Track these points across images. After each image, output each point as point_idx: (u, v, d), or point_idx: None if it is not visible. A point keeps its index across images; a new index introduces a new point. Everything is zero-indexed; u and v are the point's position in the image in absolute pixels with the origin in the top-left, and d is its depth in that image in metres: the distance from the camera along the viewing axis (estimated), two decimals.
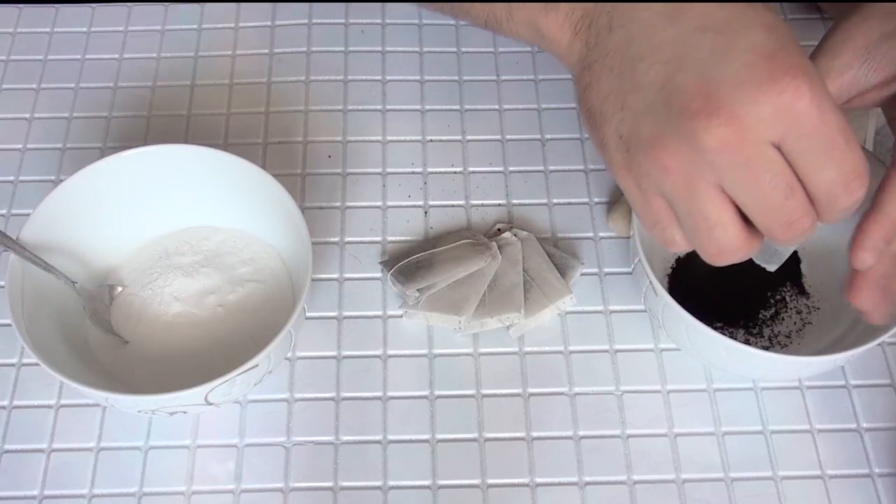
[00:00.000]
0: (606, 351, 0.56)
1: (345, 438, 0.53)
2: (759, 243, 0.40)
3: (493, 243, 0.58)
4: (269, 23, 0.71)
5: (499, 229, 0.60)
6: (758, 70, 0.36)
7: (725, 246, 0.40)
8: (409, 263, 0.57)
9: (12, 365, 0.56)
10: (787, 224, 0.38)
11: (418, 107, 0.67)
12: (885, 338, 0.48)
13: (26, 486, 0.52)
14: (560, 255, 0.59)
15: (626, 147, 0.40)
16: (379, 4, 0.71)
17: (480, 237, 0.59)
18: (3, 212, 0.62)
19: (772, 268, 0.46)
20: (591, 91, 0.42)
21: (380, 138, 0.65)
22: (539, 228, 0.61)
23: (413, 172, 0.64)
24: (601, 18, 0.42)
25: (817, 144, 0.36)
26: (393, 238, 0.61)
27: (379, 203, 0.62)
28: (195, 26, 0.70)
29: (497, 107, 0.67)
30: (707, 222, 0.39)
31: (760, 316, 0.56)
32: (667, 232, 0.41)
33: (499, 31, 0.49)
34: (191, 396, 0.46)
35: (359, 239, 0.61)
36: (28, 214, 0.51)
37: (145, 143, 0.61)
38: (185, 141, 0.64)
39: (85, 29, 0.70)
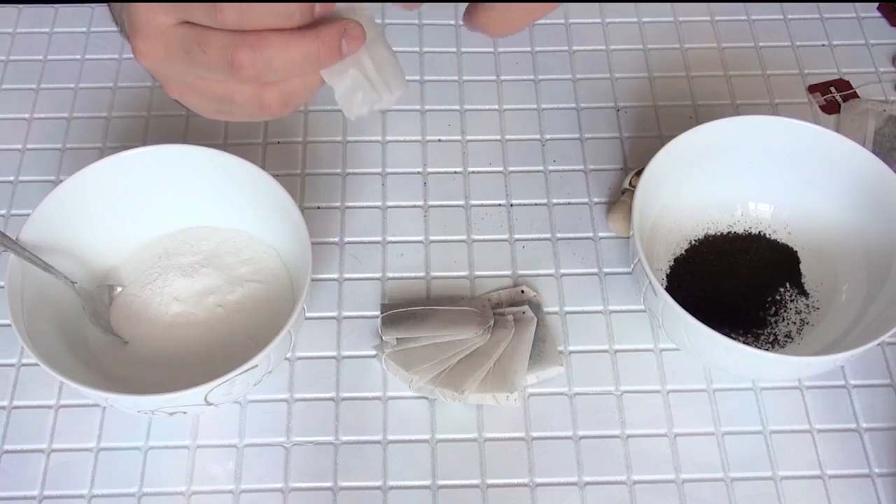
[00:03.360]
0: (606, 351, 0.56)
1: (344, 438, 0.53)
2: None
3: (492, 322, 0.55)
4: None
5: (522, 291, 0.58)
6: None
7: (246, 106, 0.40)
8: (404, 312, 0.56)
9: (12, 365, 0.56)
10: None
11: (418, 107, 0.67)
12: (885, 338, 0.48)
13: (26, 486, 0.52)
14: (549, 342, 0.56)
15: None
16: (379, 4, 0.71)
17: (488, 311, 0.56)
18: (3, 212, 0.62)
19: (353, 113, 0.41)
20: None
21: (380, 138, 0.65)
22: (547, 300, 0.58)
23: (413, 172, 0.64)
24: None
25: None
26: (392, 238, 0.61)
27: (379, 203, 0.62)
28: None
29: (497, 107, 0.67)
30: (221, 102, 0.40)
31: (760, 316, 0.56)
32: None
33: None
34: (191, 397, 0.46)
35: (358, 239, 0.61)
36: (28, 214, 0.51)
37: (145, 143, 0.61)
38: (185, 141, 0.64)
39: (84, 29, 0.70)
